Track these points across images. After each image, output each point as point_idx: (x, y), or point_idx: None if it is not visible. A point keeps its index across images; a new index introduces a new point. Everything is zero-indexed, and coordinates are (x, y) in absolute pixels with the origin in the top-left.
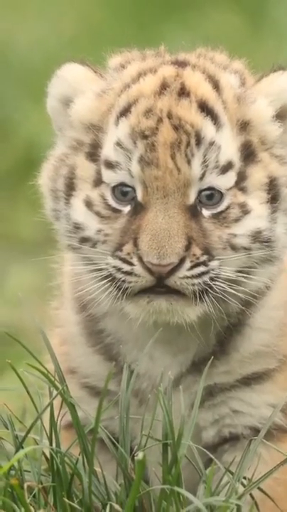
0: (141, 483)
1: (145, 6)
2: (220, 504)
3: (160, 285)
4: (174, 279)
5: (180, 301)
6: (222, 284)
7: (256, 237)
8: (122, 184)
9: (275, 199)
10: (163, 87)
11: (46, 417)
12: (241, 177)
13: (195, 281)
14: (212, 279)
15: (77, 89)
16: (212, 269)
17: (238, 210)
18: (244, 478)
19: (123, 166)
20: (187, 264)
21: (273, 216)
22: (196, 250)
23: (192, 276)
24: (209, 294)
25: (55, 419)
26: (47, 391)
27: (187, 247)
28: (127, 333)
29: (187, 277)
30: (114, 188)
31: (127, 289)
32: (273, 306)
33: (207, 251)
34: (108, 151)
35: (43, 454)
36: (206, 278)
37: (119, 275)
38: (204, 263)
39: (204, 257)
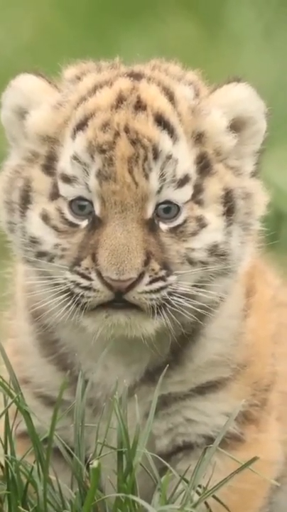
0: (96, 492)
1: (102, 13)
2: None
3: (118, 300)
4: (133, 294)
5: (138, 315)
6: (179, 299)
7: (213, 250)
8: (79, 198)
9: (231, 211)
10: (120, 100)
11: (1, 425)
12: (198, 190)
13: (154, 296)
14: (169, 293)
15: (32, 100)
16: (170, 284)
17: (195, 223)
18: (199, 486)
19: (80, 180)
20: (146, 279)
21: (228, 229)
22: (155, 265)
23: (151, 291)
24: (167, 309)
25: (10, 427)
26: (1, 399)
27: (146, 262)
28: (81, 343)
29: (146, 292)
30: (71, 202)
31: (85, 303)
32: (227, 315)
33: (166, 266)
34: (65, 164)
35: None
36: (164, 293)
37: (78, 290)
38: (162, 278)
39: (163, 272)
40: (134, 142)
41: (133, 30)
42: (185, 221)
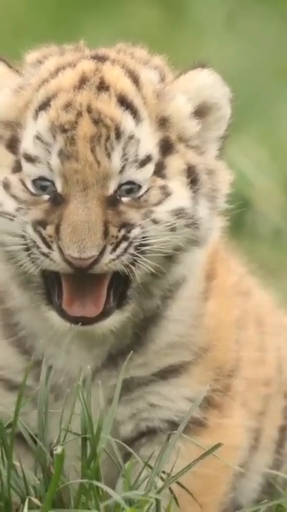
0: (60, 478)
1: (66, 2)
2: (139, 498)
3: (77, 274)
4: (101, 266)
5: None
6: (151, 251)
7: (179, 213)
8: (41, 178)
9: (194, 182)
10: (82, 81)
11: None
12: (161, 166)
13: (123, 258)
14: (137, 248)
15: None
16: (135, 238)
17: (159, 191)
18: (163, 472)
19: (42, 159)
20: (109, 249)
21: (195, 198)
22: (113, 230)
23: (117, 257)
24: (139, 265)
25: None
26: None
27: (105, 233)
28: (42, 327)
29: (113, 260)
30: (33, 182)
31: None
32: (187, 296)
33: (124, 224)
34: (27, 144)
35: None
36: (131, 250)
37: (35, 252)
38: (124, 238)
39: (123, 231)
40: (97, 122)
41: (97, 19)
42: (147, 190)
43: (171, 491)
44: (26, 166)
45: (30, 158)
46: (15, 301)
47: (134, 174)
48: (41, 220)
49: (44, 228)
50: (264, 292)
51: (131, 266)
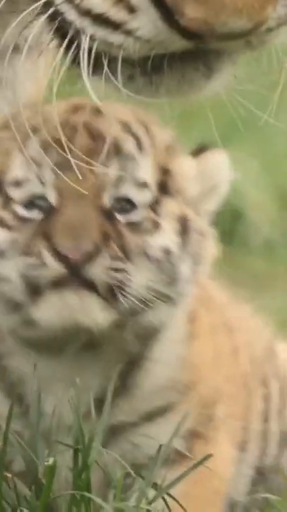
0: (52, 489)
1: None
2: (130, 510)
3: (73, 275)
4: (93, 269)
5: (92, 298)
6: (134, 291)
7: (167, 255)
8: (33, 196)
9: (185, 234)
10: (76, 108)
11: None
12: (156, 201)
13: (112, 274)
14: (126, 279)
15: None
16: (128, 270)
17: (151, 224)
18: (155, 484)
19: (32, 178)
20: (105, 255)
21: (182, 250)
22: (113, 246)
23: (110, 269)
24: (121, 298)
25: None
26: None
27: (103, 240)
28: (30, 372)
29: (107, 268)
30: (23, 201)
31: (38, 284)
32: (172, 339)
33: (124, 251)
34: (14, 172)
35: None
36: (121, 276)
37: (30, 271)
38: (121, 259)
39: (122, 255)
40: (94, 137)
41: None
42: (142, 219)
43: (165, 501)
44: (15, 192)
45: (19, 183)
46: (3, 345)
47: (131, 192)
48: (28, 244)
49: (30, 249)
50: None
51: (114, 293)
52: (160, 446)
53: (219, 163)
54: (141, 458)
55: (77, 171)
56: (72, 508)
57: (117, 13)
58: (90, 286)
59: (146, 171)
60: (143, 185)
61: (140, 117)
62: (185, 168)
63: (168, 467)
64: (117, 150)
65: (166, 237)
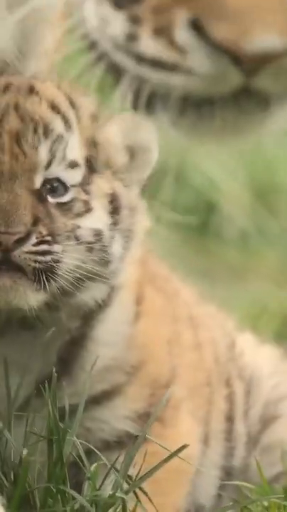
0: (28, 480)
1: None
2: (105, 500)
3: (4, 261)
4: (19, 253)
5: (22, 279)
6: (63, 272)
7: (97, 236)
8: None
9: (116, 212)
10: (7, 86)
11: None
12: (86, 181)
13: (39, 258)
14: (54, 261)
15: None
16: (56, 252)
17: (81, 205)
18: (128, 476)
19: None
20: (33, 239)
21: (112, 229)
22: (42, 229)
23: (36, 253)
24: (50, 280)
25: None
26: None
27: (34, 224)
28: None
29: (32, 252)
30: None
31: None
32: (118, 320)
33: (52, 234)
34: None
35: None
36: (48, 258)
37: None
38: (48, 242)
39: (49, 238)
40: (24, 118)
41: None
42: (72, 200)
43: (135, 494)
44: None
45: None
46: None
47: (61, 172)
48: None
49: None
50: (188, 286)
51: (42, 275)
52: (135, 437)
53: (145, 127)
54: (92, 442)
55: (8, 151)
56: (48, 500)
57: (170, 56)
58: (20, 269)
59: (75, 149)
60: (74, 164)
61: (64, 90)
62: (111, 136)
63: (120, 449)
64: (46, 130)
65: (97, 219)
